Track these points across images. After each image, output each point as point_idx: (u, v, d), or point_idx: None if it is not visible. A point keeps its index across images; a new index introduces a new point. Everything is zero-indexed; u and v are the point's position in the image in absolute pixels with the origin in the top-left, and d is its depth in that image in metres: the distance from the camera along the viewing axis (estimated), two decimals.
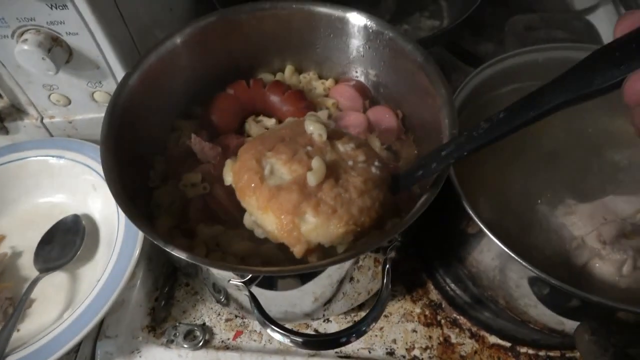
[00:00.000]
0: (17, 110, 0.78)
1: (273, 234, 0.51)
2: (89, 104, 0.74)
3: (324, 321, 0.70)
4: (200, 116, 0.71)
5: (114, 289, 0.62)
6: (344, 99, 0.74)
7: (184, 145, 0.66)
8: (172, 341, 0.67)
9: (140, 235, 0.66)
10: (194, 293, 0.73)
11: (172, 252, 0.47)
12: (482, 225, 0.52)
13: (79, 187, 0.76)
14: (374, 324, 0.50)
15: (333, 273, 0.53)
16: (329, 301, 0.58)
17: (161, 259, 0.75)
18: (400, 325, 0.69)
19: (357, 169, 0.51)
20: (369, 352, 0.67)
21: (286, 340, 0.48)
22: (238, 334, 0.69)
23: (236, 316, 0.70)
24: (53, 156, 0.77)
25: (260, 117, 0.73)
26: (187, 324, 0.69)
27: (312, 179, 0.49)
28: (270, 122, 0.72)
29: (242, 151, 0.56)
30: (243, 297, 0.58)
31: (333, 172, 0.50)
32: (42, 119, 0.78)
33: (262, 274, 0.48)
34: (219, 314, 0.71)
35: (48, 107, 0.75)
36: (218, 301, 0.68)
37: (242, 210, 0.63)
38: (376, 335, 0.68)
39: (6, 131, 0.80)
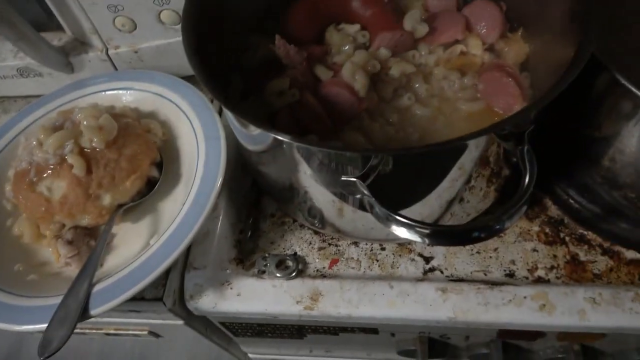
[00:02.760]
0: (81, 44, 0.74)
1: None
2: (155, 27, 0.69)
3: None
4: (279, 27, 0.64)
5: (197, 217, 0.56)
6: None
7: (263, 56, 0.60)
8: (264, 272, 0.62)
9: (222, 162, 0.60)
10: (280, 223, 0.67)
11: (282, 138, 0.40)
12: None
13: (153, 118, 0.71)
14: (510, 223, 0.43)
15: (465, 162, 0.45)
16: (451, 202, 0.51)
17: (242, 190, 0.69)
18: (518, 245, 0.61)
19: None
20: (485, 274, 0.59)
21: (411, 235, 0.41)
22: (334, 262, 0.63)
23: (330, 244, 0.64)
24: (122, 89, 0.72)
25: (342, 25, 0.65)
26: (277, 255, 0.63)
27: (78, 171, 0.57)
28: (353, 28, 0.64)
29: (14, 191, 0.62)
30: (347, 209, 0.52)
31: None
32: (107, 50, 0.73)
33: (393, 153, 0.41)
34: (311, 243, 0.64)
35: (113, 34, 0.71)
36: (312, 225, 0.62)
37: (336, 118, 0.57)
38: (490, 257, 0.60)
39: (71, 68, 0.76)
